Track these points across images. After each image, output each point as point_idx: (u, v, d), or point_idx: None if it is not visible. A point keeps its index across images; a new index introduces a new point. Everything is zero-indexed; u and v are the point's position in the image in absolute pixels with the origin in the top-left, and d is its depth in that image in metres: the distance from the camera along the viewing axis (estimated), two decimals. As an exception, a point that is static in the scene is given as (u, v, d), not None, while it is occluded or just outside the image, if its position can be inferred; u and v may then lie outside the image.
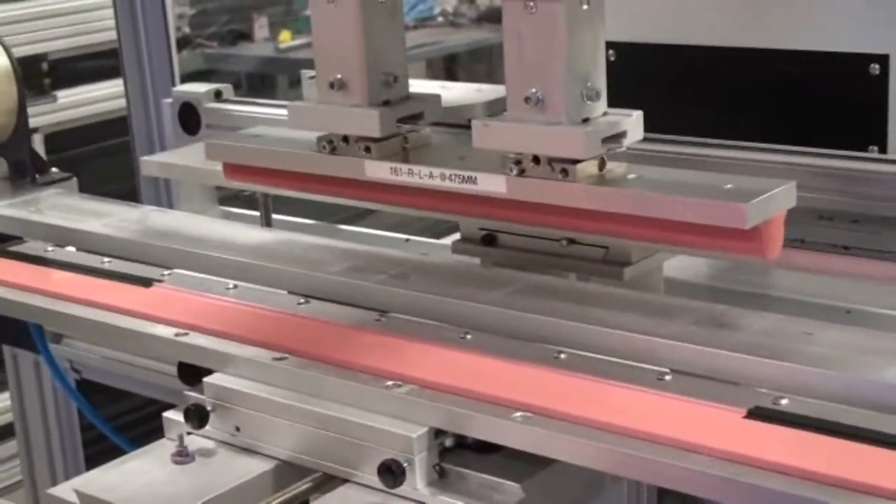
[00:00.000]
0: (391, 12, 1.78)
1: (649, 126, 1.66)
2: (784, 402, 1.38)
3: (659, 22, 2.12)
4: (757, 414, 1.36)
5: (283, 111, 2.08)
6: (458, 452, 1.46)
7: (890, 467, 1.25)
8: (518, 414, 1.41)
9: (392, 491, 1.44)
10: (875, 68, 1.95)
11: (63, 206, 2.23)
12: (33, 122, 2.36)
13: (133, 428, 2.20)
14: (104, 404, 2.27)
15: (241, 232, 2.03)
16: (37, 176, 2.33)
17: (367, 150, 1.77)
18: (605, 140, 1.60)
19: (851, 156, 1.79)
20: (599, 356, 1.52)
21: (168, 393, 1.90)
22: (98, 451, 2.31)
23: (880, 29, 1.94)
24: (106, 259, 2.00)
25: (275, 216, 2.38)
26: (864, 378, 1.38)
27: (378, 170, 1.77)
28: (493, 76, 6.14)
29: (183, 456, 1.57)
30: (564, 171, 1.60)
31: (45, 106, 4.40)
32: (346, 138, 1.79)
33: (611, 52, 1.69)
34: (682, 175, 1.61)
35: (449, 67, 6.32)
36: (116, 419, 2.29)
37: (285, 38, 5.89)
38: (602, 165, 1.62)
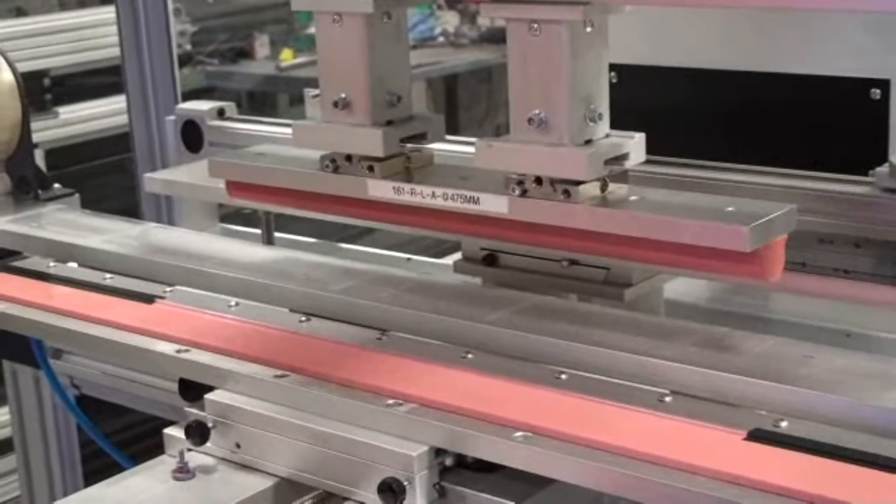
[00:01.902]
0: (396, 33, 1.79)
1: (651, 148, 1.66)
2: (784, 424, 1.38)
3: (662, 45, 2.13)
4: (757, 436, 1.36)
5: (286, 129, 2.09)
6: (458, 472, 1.47)
7: (888, 491, 1.26)
8: (518, 434, 1.41)
9: (392, 510, 1.44)
10: (876, 93, 1.96)
11: (65, 222, 2.23)
12: (34, 137, 2.36)
13: (132, 444, 2.20)
14: (104, 420, 2.27)
15: (243, 249, 2.04)
16: (39, 192, 2.33)
17: (371, 169, 1.78)
18: (608, 162, 1.61)
19: (853, 180, 1.79)
20: (600, 377, 1.53)
21: (168, 410, 1.90)
22: (97, 468, 2.31)
23: (881, 54, 1.95)
24: (108, 275, 2.01)
25: (276, 234, 2.38)
26: (863, 402, 1.39)
27: (381, 189, 1.77)
28: (493, 96, 6.17)
29: (183, 472, 1.57)
30: (566, 192, 1.61)
31: (47, 122, 4.41)
32: (349, 157, 1.80)
33: (613, 74, 1.69)
34: (684, 197, 1.62)
35: (449, 87, 6.34)
36: (116, 435, 2.29)
37: (286, 56, 5.90)
38: (604, 187, 1.62)
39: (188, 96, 3.19)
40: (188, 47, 5.64)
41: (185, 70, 5.44)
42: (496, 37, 5.78)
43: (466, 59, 6.03)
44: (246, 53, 6.02)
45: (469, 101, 6.43)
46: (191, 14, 5.70)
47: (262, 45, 6.02)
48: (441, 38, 6.19)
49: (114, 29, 3.31)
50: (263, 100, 6.13)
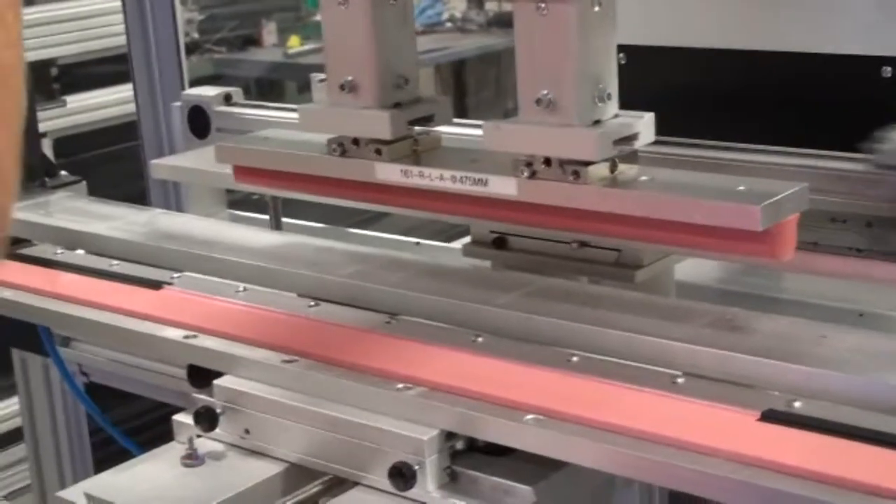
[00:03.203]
0: (402, 14, 1.78)
1: (661, 128, 1.65)
2: (797, 404, 1.37)
3: (670, 25, 2.11)
4: (770, 417, 1.35)
5: (293, 115, 2.08)
6: (469, 455, 1.46)
7: (904, 470, 1.25)
8: (530, 417, 1.40)
9: (403, 494, 1.43)
10: (887, 70, 1.94)
11: (72, 209, 2.23)
12: (43, 126, 2.36)
13: (142, 432, 2.19)
14: (113, 408, 2.27)
15: (250, 235, 2.03)
16: (46, 179, 2.33)
17: (378, 152, 1.77)
18: (617, 142, 1.59)
19: (864, 158, 1.78)
20: (612, 359, 1.52)
21: (177, 396, 1.89)
22: (106, 455, 2.30)
23: (892, 31, 1.93)
24: (115, 262, 2.00)
25: (284, 220, 2.37)
26: (877, 381, 1.38)
27: (389, 172, 1.76)
28: (501, 82, 6.15)
29: (193, 459, 1.56)
30: (576, 174, 1.59)
31: (55, 111, 4.41)
32: (356, 141, 1.79)
33: (622, 55, 1.68)
34: (695, 177, 1.61)
35: (458, 73, 6.33)
36: (125, 423, 2.28)
37: (294, 43, 5.89)
38: (614, 167, 1.61)
39: (195, 84, 3.17)
40: (196, 35, 5.63)
41: (193, 58, 5.42)
42: (504, 21, 5.77)
43: (474, 44, 6.01)
44: (254, 41, 6.01)
45: (477, 86, 6.41)
46: (198, 2, 5.69)
47: (269, 33, 6.01)
48: (448, 24, 6.18)
49: (120, 17, 3.30)
50: (271, 87, 6.11)
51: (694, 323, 1.54)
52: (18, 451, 3.82)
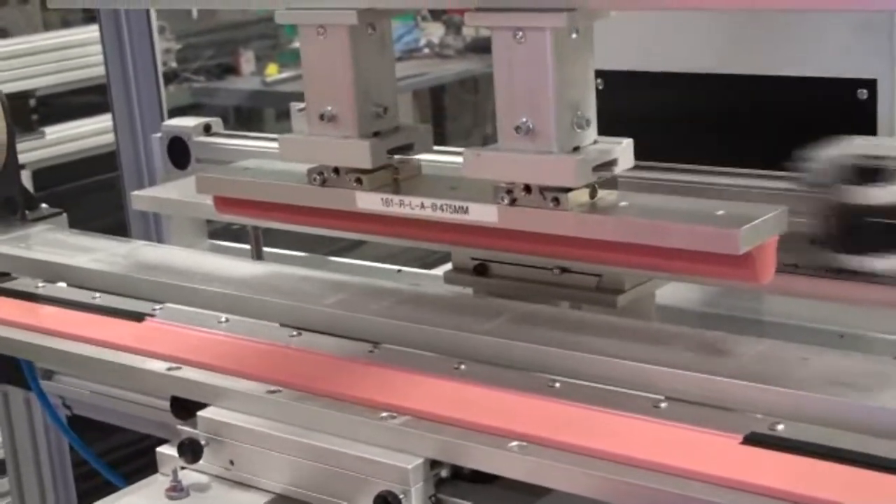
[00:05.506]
0: (381, 44, 1.78)
1: (639, 153, 1.66)
2: (780, 427, 1.38)
3: (647, 50, 2.12)
4: (753, 440, 1.36)
5: (273, 144, 2.08)
6: (453, 483, 1.46)
7: (886, 491, 1.25)
8: (514, 443, 1.40)
9: (388, 523, 1.43)
10: (863, 93, 1.96)
11: (53, 242, 2.23)
12: (21, 158, 2.35)
13: (125, 464, 2.19)
14: (96, 440, 2.26)
15: (232, 265, 2.03)
16: (26, 212, 2.32)
17: (359, 181, 1.77)
18: (596, 168, 1.60)
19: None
20: (594, 384, 1.52)
21: (160, 428, 1.89)
22: (90, 488, 2.30)
23: (868, 54, 1.94)
24: (97, 294, 2.00)
25: (265, 249, 2.37)
26: (859, 402, 1.38)
27: (369, 201, 1.76)
28: (480, 107, 6.17)
29: (177, 491, 1.56)
30: (556, 200, 1.60)
31: (33, 142, 4.40)
32: (336, 170, 1.79)
33: (599, 80, 1.69)
34: (674, 202, 1.61)
35: (436, 98, 6.35)
36: (108, 455, 2.27)
37: (272, 71, 5.90)
38: (593, 193, 1.62)
39: (174, 113, 3.18)
40: (173, 65, 5.64)
41: (171, 87, 5.43)
42: (481, 47, 5.79)
43: (452, 69, 6.04)
44: (231, 69, 6.02)
45: (456, 111, 6.43)
46: (175, 31, 5.70)
47: (247, 61, 6.02)
48: (426, 50, 6.20)
49: (98, 48, 3.30)
50: (250, 115, 6.12)
51: (676, 347, 1.55)
52: (1, 485, 3.81)
